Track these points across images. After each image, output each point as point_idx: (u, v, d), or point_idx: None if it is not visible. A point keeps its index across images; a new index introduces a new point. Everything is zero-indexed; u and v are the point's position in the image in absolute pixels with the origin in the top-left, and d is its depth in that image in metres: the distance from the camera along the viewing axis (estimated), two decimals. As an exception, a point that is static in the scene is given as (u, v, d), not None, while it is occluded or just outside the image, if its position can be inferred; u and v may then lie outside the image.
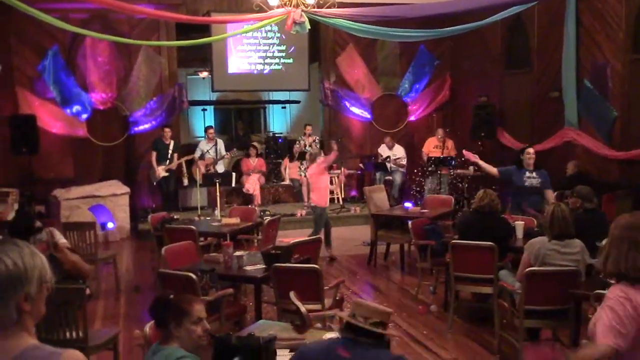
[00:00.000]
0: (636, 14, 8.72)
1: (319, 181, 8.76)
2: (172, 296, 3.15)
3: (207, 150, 11.48)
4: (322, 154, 9.20)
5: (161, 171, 10.92)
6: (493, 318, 5.49)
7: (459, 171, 11.60)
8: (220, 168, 11.50)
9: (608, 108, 9.24)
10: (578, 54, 9.77)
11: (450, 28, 9.94)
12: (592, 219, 5.83)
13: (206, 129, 12.06)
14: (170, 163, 11.01)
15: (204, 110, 16.06)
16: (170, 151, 11.06)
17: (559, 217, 4.83)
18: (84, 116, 11.34)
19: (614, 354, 2.59)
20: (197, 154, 11.56)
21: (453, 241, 5.86)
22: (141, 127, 11.72)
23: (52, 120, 11.20)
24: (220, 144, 11.67)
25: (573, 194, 6.01)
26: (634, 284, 2.69)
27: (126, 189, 10.90)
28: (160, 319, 3.07)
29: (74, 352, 1.71)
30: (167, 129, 11.16)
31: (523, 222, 6.39)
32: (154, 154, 11.03)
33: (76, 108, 11.25)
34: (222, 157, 11.55)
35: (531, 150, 7.49)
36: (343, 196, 12.21)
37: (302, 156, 11.55)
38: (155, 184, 11.14)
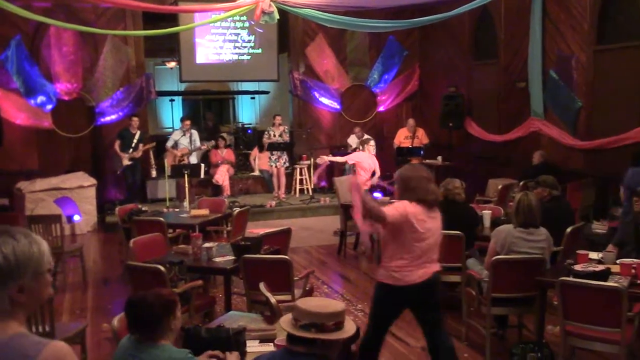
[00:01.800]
0: (600, 6, 8.86)
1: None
2: (150, 295, 2.99)
3: (180, 141, 11.36)
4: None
5: (125, 159, 10.80)
6: (461, 306, 5.56)
7: (427, 161, 11.69)
8: (194, 159, 11.41)
9: (573, 98, 9.39)
10: (544, 45, 9.91)
11: (419, 19, 10.01)
12: (557, 208, 5.95)
13: (182, 120, 11.96)
14: (134, 151, 10.89)
15: (172, 100, 15.89)
16: (135, 141, 10.94)
17: (527, 206, 4.90)
18: (49, 107, 11.12)
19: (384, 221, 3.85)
20: (170, 144, 11.45)
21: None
22: (108, 118, 11.55)
23: (15, 111, 10.95)
24: (195, 135, 11.58)
25: (538, 184, 6.11)
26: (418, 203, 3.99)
27: (93, 181, 10.74)
28: (147, 319, 2.89)
29: (60, 343, 1.69)
30: (135, 118, 11.04)
31: (490, 211, 6.49)
32: (118, 142, 10.90)
33: (40, 99, 11.04)
34: (198, 149, 11.44)
35: None
36: (312, 187, 12.22)
37: (271, 147, 11.52)
38: (119, 173, 11.01)
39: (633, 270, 4.29)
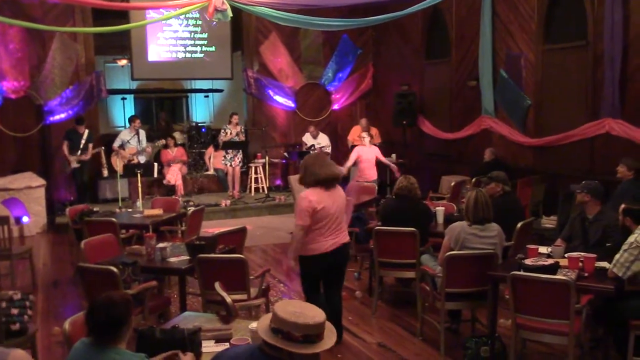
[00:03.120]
0: (547, 6, 9.08)
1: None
2: (116, 296, 2.93)
3: (128, 140, 11.17)
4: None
5: (73, 161, 10.56)
6: (416, 302, 5.63)
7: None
8: (143, 159, 11.23)
9: (522, 97, 9.61)
10: (494, 45, 10.11)
11: (372, 18, 10.07)
12: (508, 203, 6.08)
13: (131, 119, 11.69)
14: (82, 153, 10.65)
15: (123, 99, 15.63)
16: (83, 141, 10.69)
17: (482, 202, 5.00)
18: (-5, 105, 10.80)
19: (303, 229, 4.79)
20: (117, 144, 11.22)
21: (376, 228, 5.96)
22: (57, 117, 11.27)
23: (-41, 109, 10.61)
24: (142, 135, 11.36)
25: (492, 179, 6.23)
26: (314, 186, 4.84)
27: (42, 182, 10.47)
28: (114, 322, 2.81)
29: (19, 352, 1.66)
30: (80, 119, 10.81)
31: (443, 208, 6.60)
32: (66, 142, 10.63)
33: (-14, 97, 10.72)
34: (143, 150, 11.24)
35: None
36: (268, 185, 12.19)
37: (226, 145, 11.44)
38: (68, 174, 10.76)
39: (580, 264, 4.41)
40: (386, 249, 5.82)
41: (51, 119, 11.23)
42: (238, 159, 11.56)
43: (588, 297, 4.45)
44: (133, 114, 14.70)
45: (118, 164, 10.77)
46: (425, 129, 11.91)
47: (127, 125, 14.72)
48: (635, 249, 4.12)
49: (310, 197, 4.82)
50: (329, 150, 12.19)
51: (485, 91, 10.30)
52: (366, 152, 9.99)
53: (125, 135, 11.32)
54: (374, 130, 12.15)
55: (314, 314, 2.45)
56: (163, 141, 11.88)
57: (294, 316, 2.38)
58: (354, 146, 11.86)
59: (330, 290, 5.16)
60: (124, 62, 15.46)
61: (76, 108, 11.37)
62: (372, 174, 9.92)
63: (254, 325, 3.18)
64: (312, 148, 11.88)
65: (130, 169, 9.98)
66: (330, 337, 2.47)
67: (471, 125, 10.71)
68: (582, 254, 4.53)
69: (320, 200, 4.81)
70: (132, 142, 11.16)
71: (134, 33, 12.17)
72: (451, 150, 11.21)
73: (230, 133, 11.47)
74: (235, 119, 11.61)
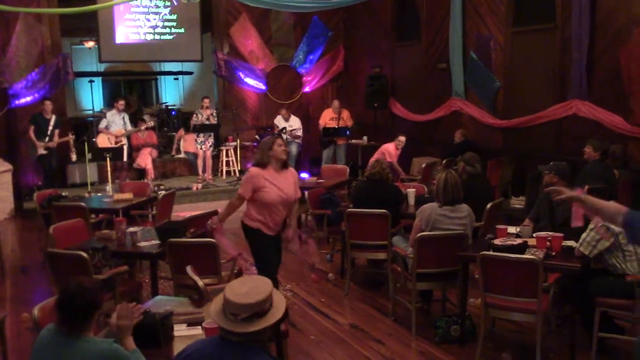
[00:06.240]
0: (516, -12, 9.15)
1: None
2: (86, 282, 2.90)
3: (115, 122, 11.01)
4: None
5: (40, 148, 10.36)
6: (387, 283, 5.68)
7: (353, 141, 11.83)
8: (126, 141, 11.09)
9: (492, 79, 9.69)
10: (464, 27, 10.16)
11: (342, -1, 10.04)
12: (478, 184, 6.15)
13: (115, 100, 11.55)
14: (50, 140, 10.44)
15: (91, 82, 15.33)
16: (51, 127, 10.45)
17: (452, 184, 5.04)
18: (-42, 89, 10.54)
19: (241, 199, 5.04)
20: (103, 125, 11.07)
21: (348, 210, 5.99)
22: (22, 100, 11.02)
23: None
24: (127, 117, 11.26)
25: (467, 161, 6.28)
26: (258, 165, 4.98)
27: (8, 166, 10.27)
28: (85, 309, 2.78)
29: None
30: (47, 102, 10.53)
31: (414, 189, 6.65)
32: (32, 127, 10.39)
33: (-52, 80, 10.44)
34: (129, 132, 11.11)
35: None
36: (239, 168, 12.13)
37: (197, 129, 11.34)
38: (36, 159, 10.58)
39: (548, 243, 4.49)
40: (358, 231, 5.84)
41: (17, 102, 10.98)
42: (209, 142, 11.48)
43: (555, 276, 4.54)
44: (102, 97, 14.49)
45: (109, 143, 10.63)
46: (396, 111, 11.95)
47: (98, 108, 14.57)
48: (602, 228, 4.20)
49: (252, 172, 5.01)
50: (300, 133, 12.17)
51: (455, 73, 10.36)
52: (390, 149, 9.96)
53: (110, 116, 11.15)
54: (345, 113, 12.15)
55: (258, 284, 2.47)
56: (143, 125, 11.67)
57: (240, 297, 2.39)
58: (326, 129, 11.88)
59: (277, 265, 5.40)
60: (91, 44, 15.20)
61: (42, 91, 11.13)
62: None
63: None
64: (284, 130, 11.84)
65: (99, 153, 9.83)
66: (278, 309, 2.47)
67: (442, 107, 10.78)
68: (550, 233, 4.61)
69: (262, 175, 4.95)
70: (119, 124, 11.01)
71: (101, 14, 11.94)
72: (422, 132, 11.26)
73: (202, 117, 11.37)
74: (206, 102, 11.50)
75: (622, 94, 7.69)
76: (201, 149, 11.46)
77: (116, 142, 10.73)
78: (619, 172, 6.88)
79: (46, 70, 11.26)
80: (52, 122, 10.47)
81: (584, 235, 4.29)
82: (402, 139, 10.01)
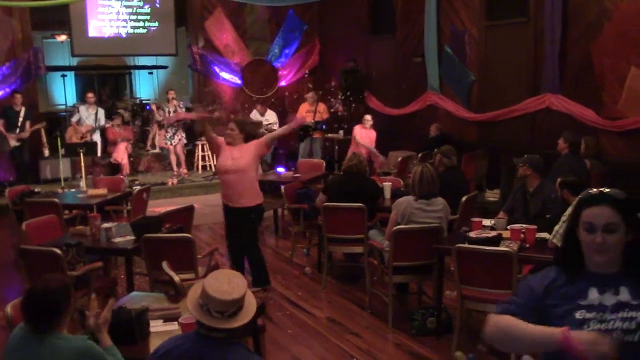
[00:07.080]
0: (490, -17, 9.21)
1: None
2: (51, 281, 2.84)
3: (86, 118, 10.86)
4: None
5: (12, 140, 10.20)
6: (364, 276, 5.70)
7: (329, 135, 11.83)
8: (97, 137, 10.93)
9: (466, 73, 9.76)
10: (439, 21, 10.21)
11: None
12: (454, 177, 6.20)
13: (86, 94, 11.40)
14: (21, 132, 10.30)
15: (63, 76, 15.11)
16: (21, 118, 10.33)
17: (428, 178, 5.08)
18: None
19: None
20: (75, 119, 10.92)
21: (324, 204, 5.99)
22: (-7, 95, 10.86)
23: None
24: (101, 113, 11.10)
25: (444, 154, 6.32)
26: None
27: (-21, 162, 10.11)
28: (52, 308, 2.75)
29: None
30: (17, 95, 10.40)
31: (390, 183, 6.68)
32: (1, 122, 10.22)
33: None
34: (102, 127, 10.97)
35: None
36: (215, 163, 12.05)
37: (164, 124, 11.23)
38: (7, 154, 10.41)
39: (522, 235, 4.55)
40: (334, 224, 5.86)
41: (-13, 97, 10.81)
42: (179, 136, 11.25)
43: (529, 267, 4.60)
44: (74, 91, 14.29)
45: (73, 139, 10.48)
46: (371, 105, 11.98)
47: (70, 102, 14.36)
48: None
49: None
50: (276, 127, 12.12)
51: (430, 67, 10.41)
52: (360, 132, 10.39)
53: (83, 111, 11.00)
54: (321, 106, 12.13)
55: (234, 281, 2.44)
56: (116, 120, 11.52)
57: (225, 294, 2.38)
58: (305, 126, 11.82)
59: (245, 249, 5.79)
60: (63, 37, 14.95)
61: (13, 85, 10.96)
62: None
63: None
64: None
65: (72, 148, 9.71)
66: (250, 302, 2.47)
67: (417, 101, 10.83)
68: (524, 225, 4.67)
69: (224, 148, 5.71)
70: (90, 120, 10.86)
71: (73, 7, 11.77)
72: (398, 126, 11.31)
73: (169, 111, 11.17)
74: (171, 94, 11.29)
75: (594, 87, 7.80)
76: (171, 143, 11.24)
77: (81, 138, 10.55)
78: (590, 162, 6.96)
79: (17, 64, 11.08)
80: (22, 114, 10.36)
81: (556, 227, 4.34)
82: (368, 117, 10.44)
